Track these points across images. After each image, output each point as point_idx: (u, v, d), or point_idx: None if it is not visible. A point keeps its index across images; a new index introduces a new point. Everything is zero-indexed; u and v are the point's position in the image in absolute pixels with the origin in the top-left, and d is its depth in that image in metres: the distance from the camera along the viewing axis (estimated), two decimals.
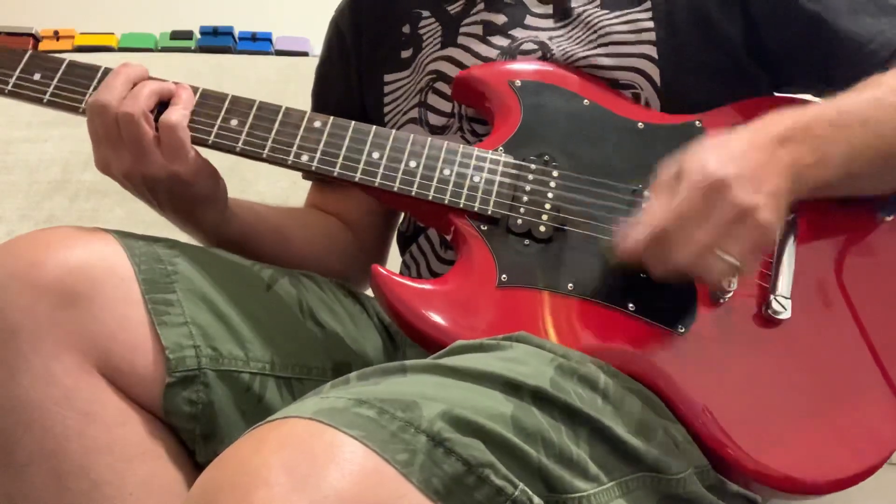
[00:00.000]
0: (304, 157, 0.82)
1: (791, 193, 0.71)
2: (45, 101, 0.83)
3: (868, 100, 0.75)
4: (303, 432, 0.51)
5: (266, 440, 0.51)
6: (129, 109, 0.79)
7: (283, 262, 0.90)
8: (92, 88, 0.83)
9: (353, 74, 1.03)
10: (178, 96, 0.82)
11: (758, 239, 0.68)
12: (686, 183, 0.69)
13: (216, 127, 0.82)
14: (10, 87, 0.84)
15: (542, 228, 0.78)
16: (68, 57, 0.85)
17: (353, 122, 0.83)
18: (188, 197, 0.83)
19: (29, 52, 0.85)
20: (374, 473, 0.49)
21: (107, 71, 0.83)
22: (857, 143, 0.74)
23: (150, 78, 0.83)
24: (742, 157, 0.69)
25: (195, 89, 0.84)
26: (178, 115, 0.80)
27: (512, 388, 0.60)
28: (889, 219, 0.82)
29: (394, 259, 1.06)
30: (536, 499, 0.54)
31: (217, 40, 2.17)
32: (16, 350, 0.67)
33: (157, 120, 0.80)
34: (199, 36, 2.20)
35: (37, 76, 0.84)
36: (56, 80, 0.83)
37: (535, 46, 0.89)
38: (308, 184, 1.09)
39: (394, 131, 0.82)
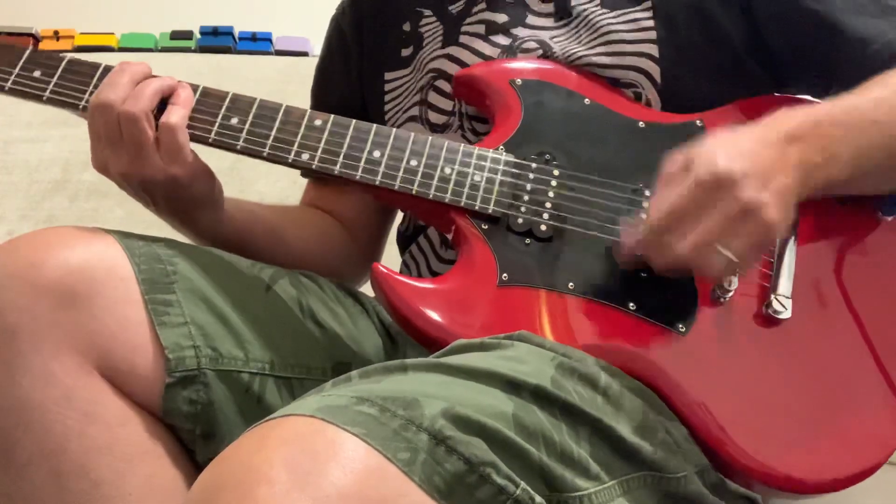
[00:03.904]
0: (305, 156, 0.81)
1: (798, 192, 0.71)
2: (44, 98, 0.83)
3: (876, 100, 0.75)
4: (304, 430, 0.50)
5: (268, 438, 0.51)
6: (131, 109, 0.78)
7: (280, 261, 0.89)
8: (92, 86, 0.82)
9: (354, 72, 1.03)
10: (177, 95, 0.81)
11: (760, 236, 0.68)
12: (693, 176, 0.68)
13: (216, 125, 0.82)
14: (9, 85, 0.83)
15: (543, 227, 0.78)
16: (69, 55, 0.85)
17: (354, 121, 0.83)
18: (185, 198, 0.83)
19: (29, 49, 0.84)
20: (375, 471, 0.49)
21: (107, 68, 0.83)
22: (866, 142, 0.74)
23: (152, 76, 0.83)
24: (751, 153, 0.69)
25: (195, 87, 0.83)
26: (177, 116, 0.80)
27: (513, 386, 0.60)
28: (889, 218, 0.82)
29: (394, 259, 1.06)
30: (538, 497, 0.54)
31: (217, 40, 2.17)
32: (16, 350, 0.67)
33: (156, 118, 0.80)
34: (199, 36, 2.20)
35: (37, 73, 0.83)
36: (56, 77, 0.83)
37: (537, 45, 0.89)
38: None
39: (395, 130, 0.82)
